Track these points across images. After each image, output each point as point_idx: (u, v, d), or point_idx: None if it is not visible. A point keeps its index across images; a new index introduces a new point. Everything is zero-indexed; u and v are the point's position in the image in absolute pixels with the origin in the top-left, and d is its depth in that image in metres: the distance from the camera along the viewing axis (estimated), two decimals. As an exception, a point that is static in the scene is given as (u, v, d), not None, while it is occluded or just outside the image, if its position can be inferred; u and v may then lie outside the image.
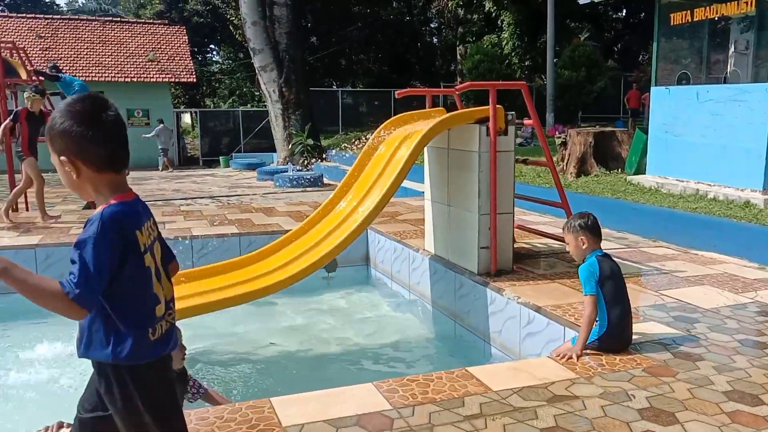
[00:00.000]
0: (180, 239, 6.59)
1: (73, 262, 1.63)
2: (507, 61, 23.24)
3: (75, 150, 1.70)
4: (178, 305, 4.18)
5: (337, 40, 32.10)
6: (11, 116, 7.77)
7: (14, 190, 7.97)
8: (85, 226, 1.69)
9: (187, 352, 4.02)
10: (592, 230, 3.48)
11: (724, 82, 11.47)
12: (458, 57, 30.19)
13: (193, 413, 2.72)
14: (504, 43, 23.60)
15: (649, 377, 3.07)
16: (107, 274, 1.64)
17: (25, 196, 8.46)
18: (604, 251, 3.53)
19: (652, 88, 8.80)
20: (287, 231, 5.58)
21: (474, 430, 2.56)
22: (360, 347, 5.04)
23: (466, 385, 3.00)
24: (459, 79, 27.15)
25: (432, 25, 37.99)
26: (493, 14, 24.17)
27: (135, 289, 1.73)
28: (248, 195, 11.23)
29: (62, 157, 1.71)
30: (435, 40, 38.08)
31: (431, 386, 2.98)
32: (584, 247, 3.44)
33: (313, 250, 4.93)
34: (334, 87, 31.78)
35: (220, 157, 20.90)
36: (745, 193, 7.20)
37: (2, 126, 7.73)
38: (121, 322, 1.72)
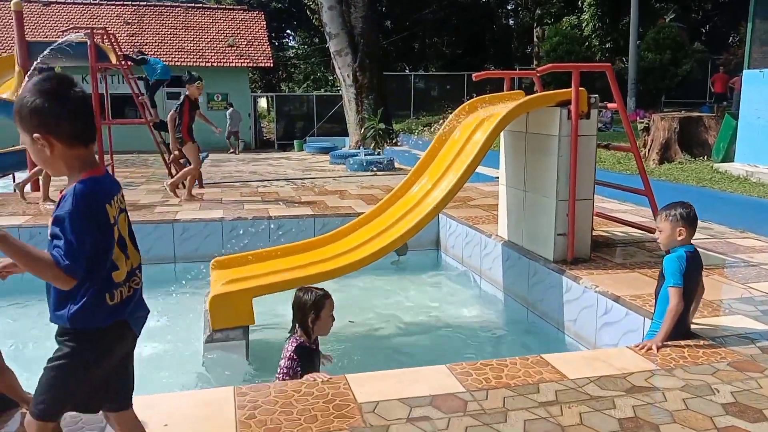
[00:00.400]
0: (257, 219, 6.80)
1: (55, 237, 1.73)
2: (587, 43, 22.45)
3: (47, 126, 1.78)
4: (258, 281, 4.37)
5: (411, 23, 31.95)
6: (177, 108, 8.19)
7: (184, 170, 8.29)
8: (59, 203, 1.78)
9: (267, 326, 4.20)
10: (693, 222, 3.35)
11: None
12: (535, 39, 29.45)
13: (272, 386, 2.83)
14: (584, 25, 22.82)
15: (734, 371, 2.94)
16: (89, 246, 1.74)
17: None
18: (694, 246, 3.39)
19: (745, 72, 8.30)
20: (359, 213, 5.68)
21: (549, 416, 2.54)
22: (431, 330, 5.06)
23: (541, 371, 2.97)
24: (536, 62, 26.47)
25: (509, 7, 37.16)
26: (573, -6, 23.40)
27: (96, 257, 1.80)
28: (321, 178, 11.44)
29: (35, 135, 1.79)
30: (511, 22, 37.25)
31: (505, 371, 2.97)
32: (680, 238, 3.31)
33: (385, 233, 4.98)
34: (407, 71, 31.68)
35: (295, 141, 21.35)
36: None
37: (169, 117, 8.27)
38: (80, 287, 1.79)
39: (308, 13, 30.83)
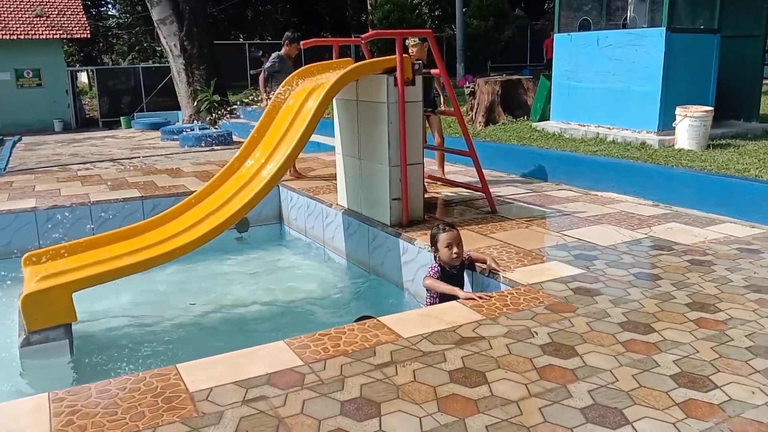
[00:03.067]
0: (75, 206, 6.22)
1: None
2: (417, 11, 23.05)
3: None
4: (77, 274, 4.00)
5: (241, -10, 30.72)
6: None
7: None
8: None
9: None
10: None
11: (623, 28, 11.86)
12: (368, 7, 29.68)
13: (93, 386, 2.60)
14: (414, -7, 23.36)
15: (551, 314, 3.20)
16: None
17: None
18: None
19: (555, 35, 8.98)
20: (193, 192, 5.38)
21: (385, 377, 2.59)
22: (276, 306, 4.98)
23: (378, 334, 3.02)
24: (370, 30, 26.75)
25: (341, -26, 37.01)
26: (402, -38, 23.80)
27: None
28: (152, 156, 10.73)
29: None
30: (344, -11, 37.18)
31: (343, 339, 2.99)
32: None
33: (220, 211, 4.77)
34: (241, 40, 30.56)
35: (121, 118, 19.79)
36: (642, 134, 7.57)
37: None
38: None
39: (125, -22, 28.44)
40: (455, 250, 3.80)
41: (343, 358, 2.78)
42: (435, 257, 3.95)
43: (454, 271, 3.89)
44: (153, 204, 6.45)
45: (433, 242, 3.93)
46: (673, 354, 2.74)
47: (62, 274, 4.05)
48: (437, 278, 3.80)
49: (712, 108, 7.14)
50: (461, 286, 3.83)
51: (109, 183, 7.45)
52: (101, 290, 4.32)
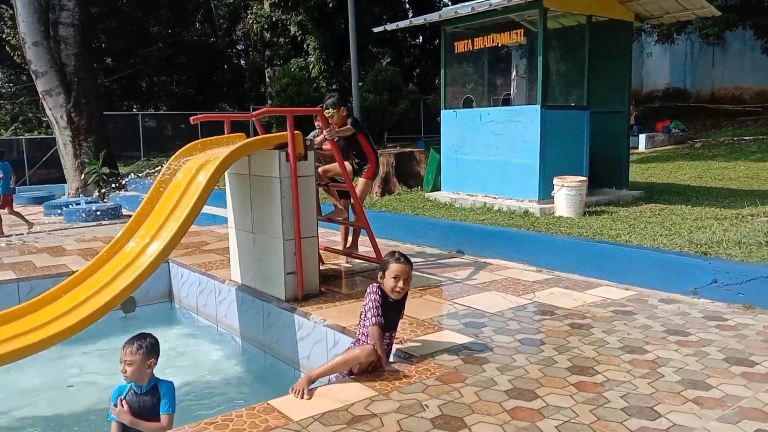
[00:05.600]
0: (-60, 291, 5.69)
1: None
2: (315, 84, 23.66)
3: None
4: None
5: (135, 60, 30.31)
6: None
7: None
8: None
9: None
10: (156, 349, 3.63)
11: (504, 105, 12.73)
12: (267, 80, 30.10)
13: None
14: (311, 67, 24.01)
15: (441, 385, 3.25)
16: None
17: None
18: None
19: (442, 111, 9.49)
20: (74, 272, 5.08)
21: (273, 466, 2.50)
22: (163, 391, 4.70)
23: (267, 419, 2.93)
24: (269, 102, 27.03)
25: (239, 47, 37.49)
26: (299, 38, 24.52)
27: None
28: (32, 233, 10.07)
29: None
30: (243, 62, 37.62)
31: (230, 426, 2.87)
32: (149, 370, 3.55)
33: (103, 291, 4.52)
34: (135, 110, 29.90)
35: (1, 191, 18.50)
36: (524, 203, 8.04)
37: None
38: None
39: (8, 49, 27.23)
40: (400, 284, 3.59)
41: (230, 447, 2.67)
42: (379, 281, 3.70)
43: (393, 301, 3.67)
44: (30, 286, 6.02)
45: (383, 268, 3.67)
46: (555, 419, 2.84)
47: None
48: (378, 304, 3.58)
49: (586, 178, 7.74)
50: (400, 317, 3.74)
51: (-21, 264, 6.88)
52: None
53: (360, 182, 6.14)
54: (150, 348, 3.46)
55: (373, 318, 3.54)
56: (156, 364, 3.50)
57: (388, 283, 3.60)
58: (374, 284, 3.70)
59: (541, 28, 7.96)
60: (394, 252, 3.74)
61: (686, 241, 5.67)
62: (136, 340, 3.48)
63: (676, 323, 4.23)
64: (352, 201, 5.67)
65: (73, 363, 5.28)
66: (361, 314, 3.67)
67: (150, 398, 3.41)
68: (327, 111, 5.81)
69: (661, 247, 5.53)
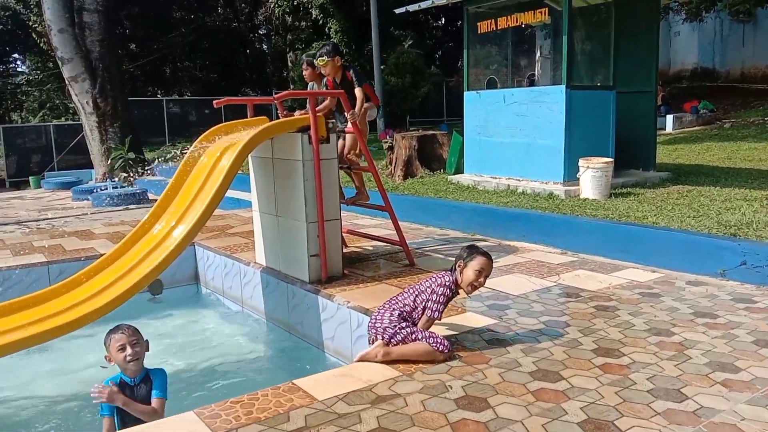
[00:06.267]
0: (-26, 274, 5.84)
1: None
2: (336, 68, 23.60)
3: None
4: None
5: (159, 46, 30.54)
6: None
7: None
8: None
9: None
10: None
11: (529, 85, 12.55)
12: (289, 64, 30.13)
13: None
14: (332, 50, 23.95)
15: (465, 366, 3.25)
16: None
17: None
18: None
19: (465, 93, 9.39)
20: (103, 255, 5.17)
21: (298, 444, 2.53)
22: (191, 372, 4.79)
23: (292, 398, 2.96)
24: (291, 86, 27.06)
25: (261, 32, 37.54)
26: (320, 22, 24.48)
27: None
28: (61, 218, 10.25)
29: None
30: (265, 47, 37.68)
31: (256, 405, 2.90)
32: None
33: (130, 274, 4.60)
34: (159, 96, 30.18)
35: (30, 177, 18.92)
36: (549, 185, 7.95)
37: None
38: None
39: (34, 36, 27.64)
40: (481, 280, 3.38)
41: (256, 426, 2.70)
42: (455, 273, 3.42)
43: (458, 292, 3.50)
44: (60, 269, 6.14)
45: (466, 258, 3.38)
46: (579, 401, 2.83)
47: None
48: (447, 299, 3.40)
49: (612, 159, 7.62)
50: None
51: (12, 247, 7.04)
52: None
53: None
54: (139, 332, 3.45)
55: (436, 312, 3.39)
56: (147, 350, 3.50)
57: (468, 275, 3.36)
58: (446, 274, 3.44)
59: (566, 6, 7.81)
60: (474, 245, 3.50)
61: (714, 222, 5.57)
62: (121, 326, 3.50)
63: (704, 305, 4.17)
64: (377, 185, 5.63)
65: (99, 345, 5.35)
66: (399, 295, 3.49)
67: (144, 387, 3.43)
68: (321, 60, 5.48)
69: (689, 228, 5.44)
